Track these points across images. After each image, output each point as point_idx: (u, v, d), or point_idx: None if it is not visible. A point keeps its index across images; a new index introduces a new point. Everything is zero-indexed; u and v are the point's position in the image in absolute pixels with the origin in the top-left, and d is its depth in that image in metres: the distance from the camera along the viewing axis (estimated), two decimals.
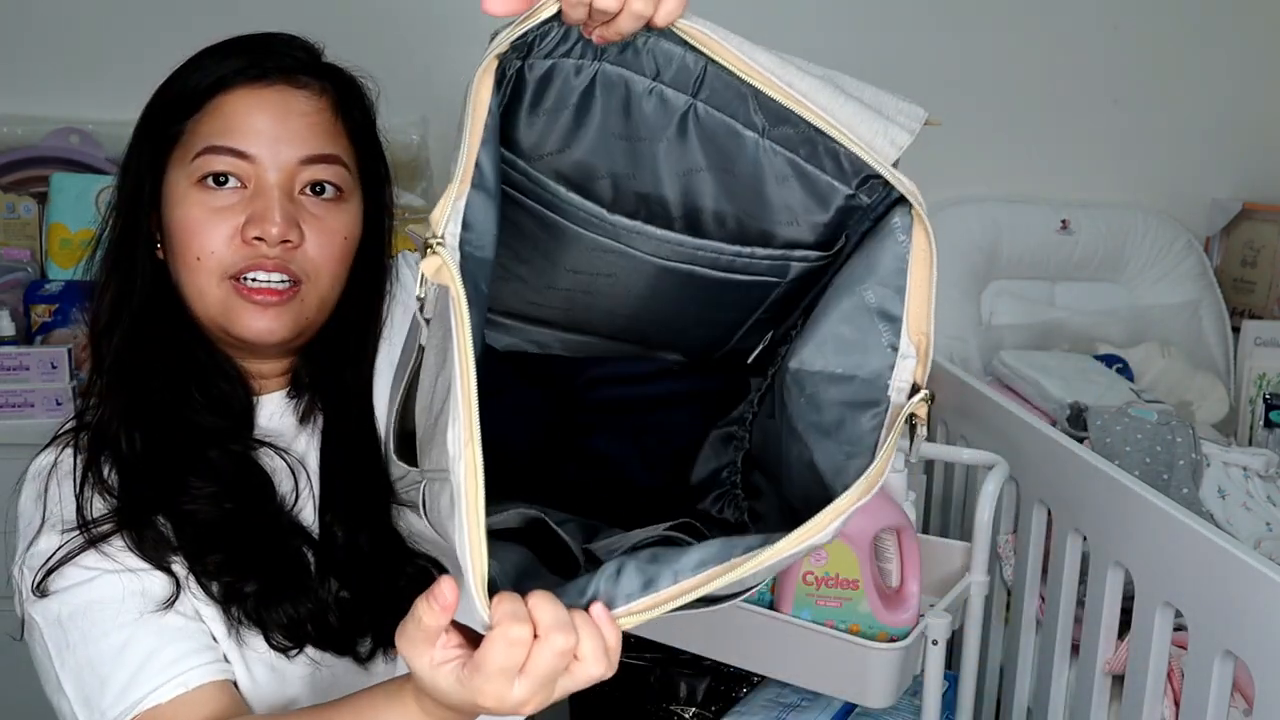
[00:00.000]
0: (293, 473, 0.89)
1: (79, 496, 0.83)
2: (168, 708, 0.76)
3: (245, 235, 0.83)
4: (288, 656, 0.84)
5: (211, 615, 0.83)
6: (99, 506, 0.83)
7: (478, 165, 0.68)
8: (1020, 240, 2.09)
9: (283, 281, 0.84)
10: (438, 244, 0.65)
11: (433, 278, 0.64)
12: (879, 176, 0.72)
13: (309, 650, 0.84)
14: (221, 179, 0.84)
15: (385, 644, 0.86)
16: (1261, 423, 2.01)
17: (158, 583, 0.81)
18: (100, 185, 1.75)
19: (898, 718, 1.16)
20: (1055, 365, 1.82)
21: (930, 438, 1.82)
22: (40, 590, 0.81)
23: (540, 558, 0.77)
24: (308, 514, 0.89)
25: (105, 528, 0.82)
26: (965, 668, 1.16)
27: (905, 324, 0.72)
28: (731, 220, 0.82)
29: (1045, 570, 1.40)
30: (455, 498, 0.61)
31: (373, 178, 0.92)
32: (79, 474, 0.84)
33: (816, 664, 0.99)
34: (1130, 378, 1.88)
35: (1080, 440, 1.45)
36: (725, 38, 0.70)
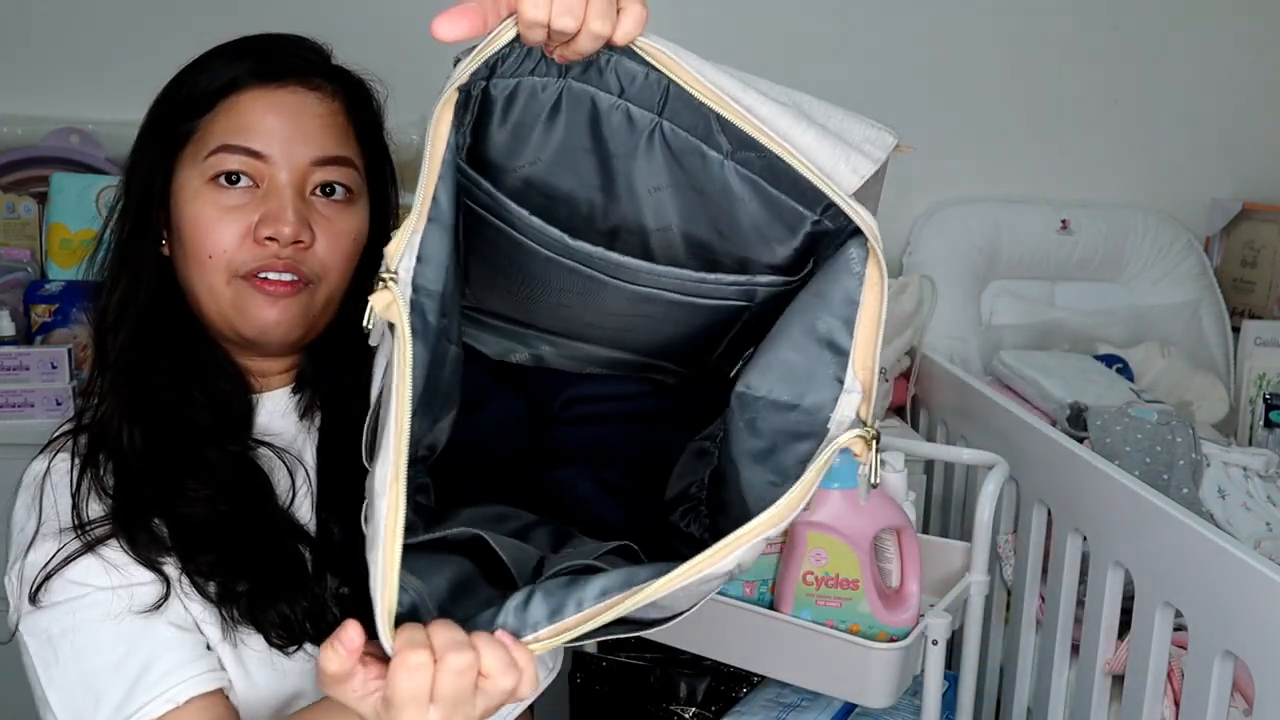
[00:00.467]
0: (290, 471, 0.89)
1: (75, 495, 0.83)
2: None
3: (258, 235, 0.84)
4: (286, 654, 0.84)
5: (206, 616, 0.83)
6: (95, 509, 0.83)
7: (435, 198, 0.68)
8: (1020, 240, 2.09)
9: (293, 280, 0.85)
10: (390, 279, 0.66)
11: (382, 313, 0.65)
12: None
13: (308, 647, 0.84)
14: (234, 178, 0.85)
15: None
16: (1261, 423, 2.01)
17: (150, 591, 0.82)
18: (100, 185, 1.75)
19: (898, 718, 1.16)
20: (1055, 365, 1.82)
21: (930, 438, 1.82)
22: (34, 600, 0.81)
23: (488, 567, 0.77)
24: (305, 512, 0.90)
25: (101, 531, 0.82)
26: (965, 668, 1.16)
27: (853, 359, 0.70)
28: (700, 242, 0.81)
29: (1045, 570, 1.40)
30: (374, 534, 0.63)
31: (380, 180, 0.93)
32: (76, 473, 0.84)
33: (816, 664, 0.99)
34: (1130, 378, 1.88)
35: (1080, 440, 1.45)
36: (685, 59, 0.68)
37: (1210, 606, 1.05)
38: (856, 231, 0.70)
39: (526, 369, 0.99)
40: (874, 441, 0.68)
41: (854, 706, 1.15)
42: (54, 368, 1.58)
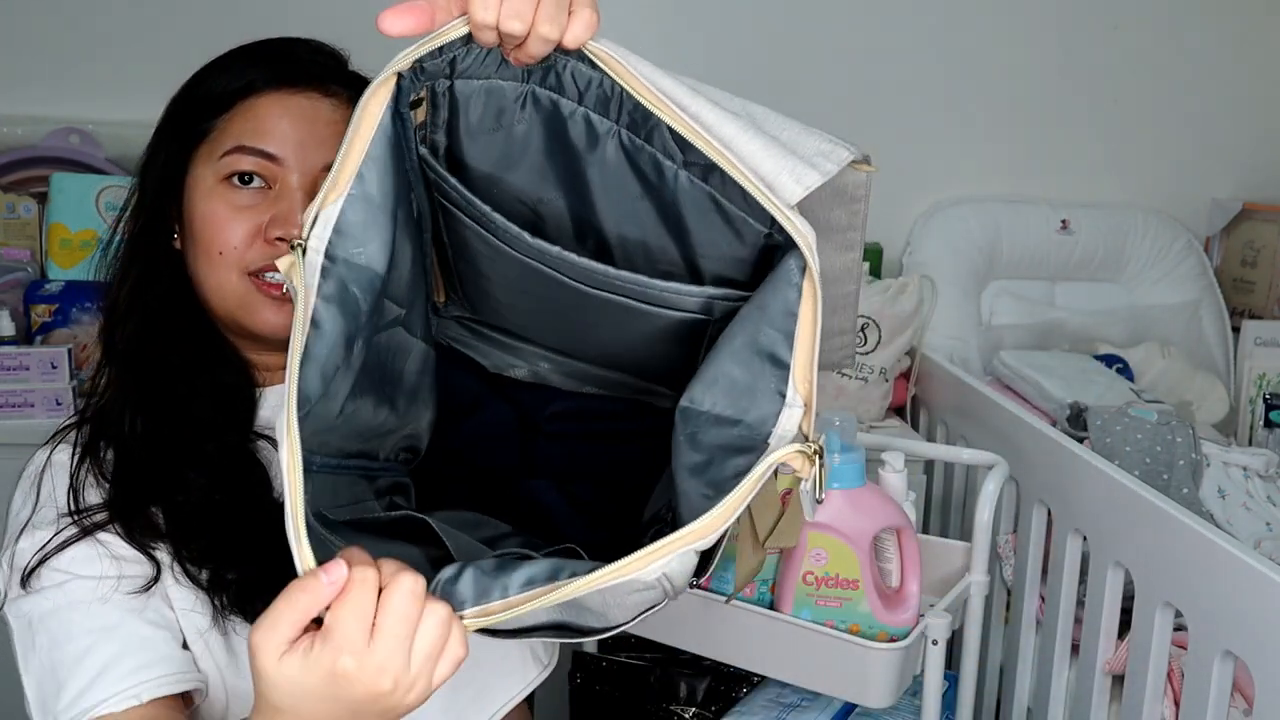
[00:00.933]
0: None
1: (73, 480, 0.85)
2: (118, 718, 0.77)
3: (268, 235, 0.86)
4: None
5: (196, 605, 0.84)
6: (93, 497, 0.85)
7: (361, 176, 0.70)
8: (1020, 240, 2.09)
9: None
10: (299, 244, 0.69)
11: (285, 272, 0.69)
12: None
13: None
14: (247, 178, 0.87)
15: None
16: (1261, 423, 2.01)
17: (139, 579, 0.82)
18: (100, 185, 1.75)
19: (898, 718, 1.16)
20: (1055, 365, 1.82)
21: (930, 438, 1.83)
22: (24, 585, 0.82)
23: (438, 564, 0.77)
24: None
25: (99, 517, 0.83)
26: (965, 668, 1.16)
27: (793, 372, 0.68)
28: (660, 251, 0.81)
29: (1045, 570, 1.40)
30: (282, 478, 0.64)
31: None
32: (76, 457, 0.86)
33: (816, 664, 0.99)
34: (1130, 378, 1.88)
35: (1080, 440, 1.45)
36: (633, 65, 0.68)
37: (1210, 606, 1.05)
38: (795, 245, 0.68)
39: (521, 382, 1.00)
40: (817, 456, 0.67)
41: (854, 706, 1.15)
42: (54, 368, 1.58)
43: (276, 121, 0.87)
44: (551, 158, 0.78)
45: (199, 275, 0.89)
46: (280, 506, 0.88)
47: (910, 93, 2.08)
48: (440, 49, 0.69)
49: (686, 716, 1.28)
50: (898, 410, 1.91)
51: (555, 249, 0.80)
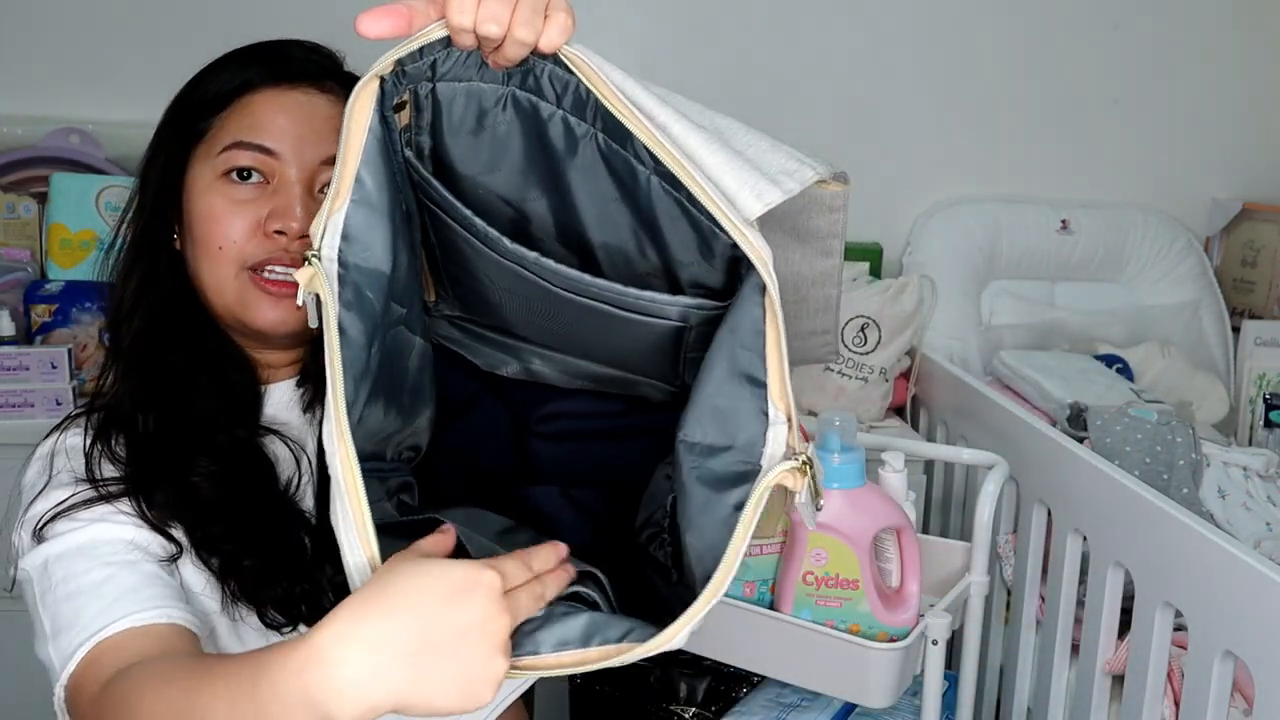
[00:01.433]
0: (295, 460, 0.91)
1: (88, 457, 0.85)
2: (125, 636, 0.75)
3: (267, 228, 0.87)
4: (281, 634, 0.85)
5: (207, 589, 0.84)
6: (109, 471, 0.85)
7: (360, 180, 0.71)
8: (1020, 240, 2.09)
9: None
10: (313, 256, 0.70)
11: (306, 286, 0.70)
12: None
13: (302, 628, 0.85)
14: (245, 174, 0.88)
15: None
16: (1261, 423, 2.01)
17: (155, 543, 0.82)
18: (100, 185, 1.75)
19: (898, 718, 1.16)
20: (1055, 365, 1.82)
21: (930, 438, 1.82)
22: (39, 538, 0.81)
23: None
24: (308, 501, 0.91)
25: (114, 489, 0.83)
26: (965, 668, 1.16)
27: (770, 390, 0.68)
28: (639, 256, 0.82)
29: (1045, 570, 1.40)
30: (335, 490, 0.65)
31: None
32: (89, 442, 0.86)
33: (816, 664, 0.99)
34: (1130, 378, 1.88)
35: (1080, 440, 1.45)
36: (604, 71, 0.68)
37: (1210, 606, 1.05)
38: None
39: (514, 380, 1.00)
40: (808, 467, 0.67)
41: (854, 706, 1.15)
42: (54, 368, 1.58)
43: (273, 117, 0.88)
44: (533, 159, 0.79)
45: (199, 274, 0.90)
46: (286, 501, 0.89)
47: (911, 93, 2.08)
48: (421, 52, 0.70)
49: (686, 716, 1.28)
50: (898, 410, 1.91)
51: (533, 255, 0.81)
